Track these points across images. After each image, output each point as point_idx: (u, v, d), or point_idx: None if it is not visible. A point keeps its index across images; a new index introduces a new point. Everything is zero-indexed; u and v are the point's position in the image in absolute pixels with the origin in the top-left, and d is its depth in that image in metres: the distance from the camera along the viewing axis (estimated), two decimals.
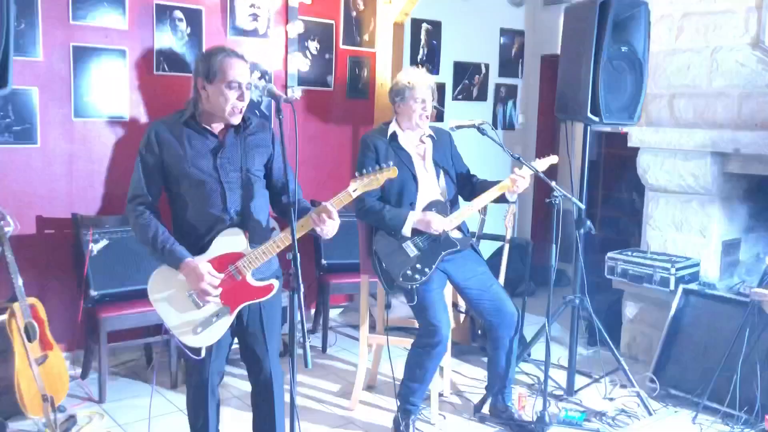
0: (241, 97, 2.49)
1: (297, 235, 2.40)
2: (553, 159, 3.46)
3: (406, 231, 3.23)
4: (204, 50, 2.52)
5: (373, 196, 3.26)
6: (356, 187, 2.56)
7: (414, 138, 3.38)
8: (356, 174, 2.57)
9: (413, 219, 3.22)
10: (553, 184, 3.24)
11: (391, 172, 2.61)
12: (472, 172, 3.55)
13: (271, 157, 2.67)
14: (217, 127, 2.56)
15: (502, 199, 3.36)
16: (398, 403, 3.34)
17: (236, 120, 2.53)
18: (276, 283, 2.55)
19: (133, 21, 4.12)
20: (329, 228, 2.48)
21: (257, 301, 2.56)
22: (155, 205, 2.55)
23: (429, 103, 3.31)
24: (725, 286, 4.02)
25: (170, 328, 2.51)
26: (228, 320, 2.53)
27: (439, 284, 3.31)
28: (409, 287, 3.21)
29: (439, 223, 3.20)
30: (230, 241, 2.50)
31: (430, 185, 3.35)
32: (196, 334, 2.50)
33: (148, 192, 2.52)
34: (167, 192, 2.59)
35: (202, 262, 2.45)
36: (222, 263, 2.49)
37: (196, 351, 2.54)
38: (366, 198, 3.23)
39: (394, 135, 3.35)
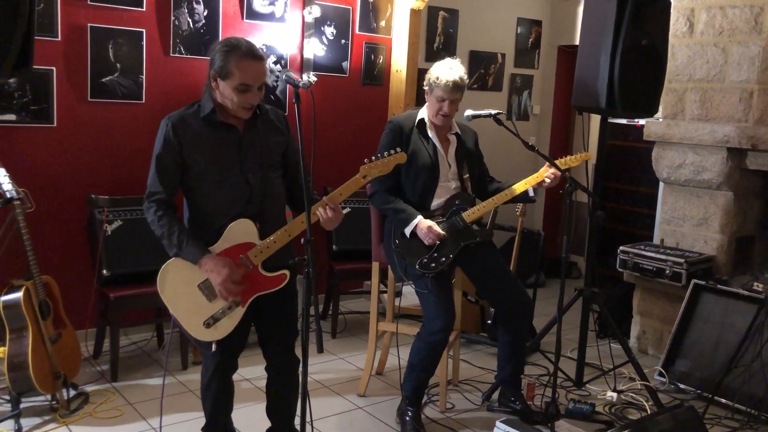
0: (252, 98, 2.44)
1: (302, 228, 2.43)
2: (586, 155, 3.44)
3: (407, 232, 3.23)
4: (222, 42, 2.48)
5: (387, 183, 3.26)
6: (366, 173, 2.57)
7: (440, 131, 3.34)
8: (365, 159, 2.59)
9: (416, 224, 3.19)
10: (567, 174, 3.23)
11: (399, 158, 2.63)
12: (491, 175, 3.55)
13: (286, 146, 2.66)
14: (235, 118, 2.53)
15: (521, 198, 3.36)
16: (402, 392, 3.35)
17: (246, 115, 2.50)
18: (288, 273, 2.54)
19: (150, 3, 4.12)
20: (332, 221, 2.48)
21: (269, 291, 2.55)
22: (171, 201, 2.53)
23: (450, 103, 3.21)
24: (738, 282, 4.00)
25: (180, 322, 2.49)
26: (239, 312, 2.51)
27: (448, 274, 3.31)
28: (425, 275, 3.21)
29: (431, 237, 3.17)
30: (241, 231, 2.49)
31: (451, 177, 3.34)
32: (207, 328, 2.48)
33: (164, 190, 2.49)
34: (185, 186, 2.56)
35: (223, 259, 2.43)
36: (232, 254, 2.48)
37: (207, 345, 2.53)
38: (378, 185, 3.25)
39: (422, 121, 3.32)
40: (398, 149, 2.65)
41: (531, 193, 3.35)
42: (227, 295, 2.45)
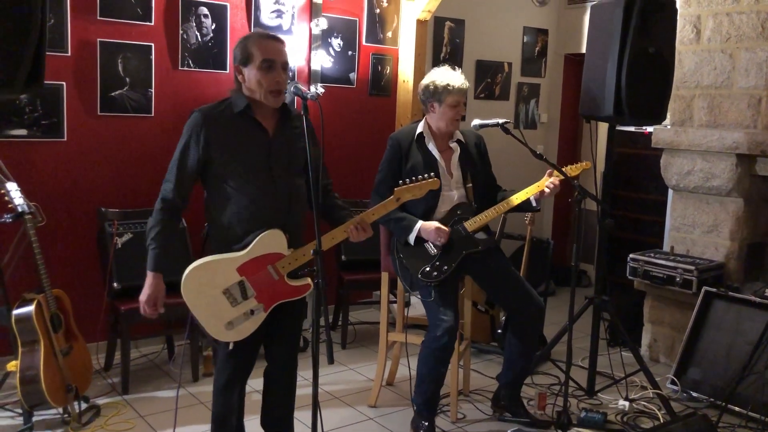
0: (277, 76, 2.44)
1: (332, 244, 2.49)
2: (585, 165, 3.45)
3: (411, 239, 3.25)
4: (240, 38, 2.56)
5: (383, 194, 3.25)
6: (399, 196, 2.60)
7: (441, 141, 3.36)
8: (399, 182, 2.62)
9: (419, 228, 3.22)
10: (576, 182, 3.23)
11: (432, 184, 2.64)
12: (498, 183, 3.55)
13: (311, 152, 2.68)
14: (267, 121, 2.54)
15: (525, 207, 3.36)
16: (414, 405, 3.33)
17: (277, 102, 2.49)
18: (311, 283, 2.55)
19: (159, 17, 4.15)
20: (360, 238, 2.54)
21: (292, 299, 2.57)
22: (176, 201, 2.51)
23: (462, 107, 3.28)
24: (749, 289, 3.97)
25: (201, 323, 2.51)
26: (261, 317, 2.53)
27: (454, 282, 3.31)
28: (428, 284, 3.21)
29: (441, 236, 3.19)
30: (271, 241, 2.50)
31: (454, 186, 3.34)
32: (228, 330, 2.51)
33: (175, 187, 2.49)
34: (209, 188, 2.56)
35: (159, 283, 2.50)
36: (261, 263, 2.49)
37: (225, 344, 2.56)
38: (378, 200, 3.25)
39: (420, 136, 3.34)
40: (432, 174, 2.67)
41: (534, 203, 3.35)
42: (143, 308, 2.53)
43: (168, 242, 2.52)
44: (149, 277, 2.51)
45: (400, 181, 2.62)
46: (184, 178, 2.51)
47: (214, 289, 2.49)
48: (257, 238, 2.48)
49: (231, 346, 2.55)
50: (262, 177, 2.50)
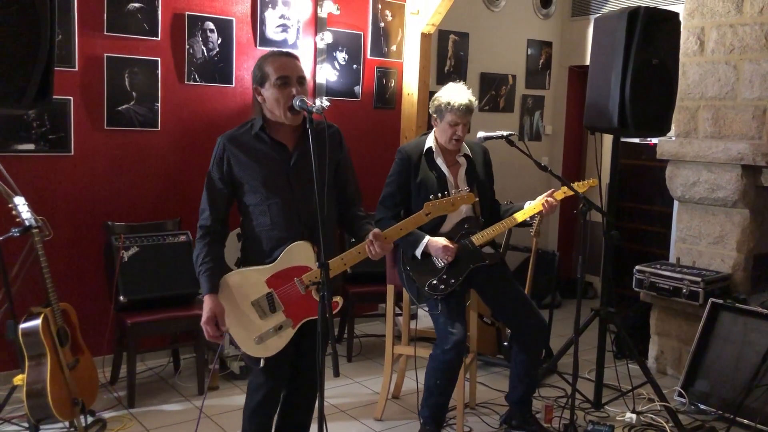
0: (294, 92, 2.43)
1: (360, 258, 2.47)
2: (592, 182, 3.46)
3: (418, 254, 3.25)
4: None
5: (393, 210, 3.27)
6: (430, 210, 2.58)
7: (449, 155, 3.36)
8: (431, 196, 2.59)
9: (427, 243, 3.22)
10: (581, 194, 3.23)
11: (467, 199, 2.63)
12: (502, 195, 3.55)
13: (338, 164, 2.66)
14: (287, 138, 2.54)
15: (522, 222, 3.37)
16: (420, 419, 3.32)
17: (295, 120, 2.48)
18: (340, 300, 2.53)
19: (165, 32, 4.19)
20: (380, 254, 2.49)
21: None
22: (216, 226, 2.55)
23: (463, 126, 3.25)
24: (756, 301, 3.96)
25: (233, 335, 2.51)
26: (290, 333, 2.51)
27: (460, 295, 3.31)
28: (434, 297, 3.21)
29: (448, 254, 3.19)
30: (298, 254, 2.50)
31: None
32: (257, 344, 2.50)
33: (210, 210, 2.54)
34: (239, 207, 2.60)
35: (219, 304, 2.47)
36: (288, 275, 2.49)
37: (256, 360, 2.54)
38: (385, 212, 3.26)
39: (429, 150, 3.34)
40: (467, 189, 2.64)
41: (528, 218, 3.36)
42: (205, 331, 2.48)
43: (215, 264, 2.52)
44: (205, 301, 2.49)
45: (431, 196, 2.59)
46: (216, 202, 2.55)
47: (244, 299, 2.50)
48: (284, 250, 2.49)
49: (262, 363, 2.52)
50: (282, 194, 2.51)
